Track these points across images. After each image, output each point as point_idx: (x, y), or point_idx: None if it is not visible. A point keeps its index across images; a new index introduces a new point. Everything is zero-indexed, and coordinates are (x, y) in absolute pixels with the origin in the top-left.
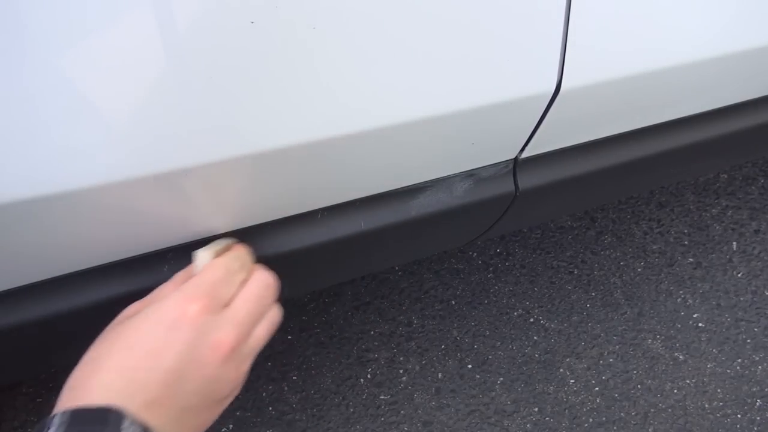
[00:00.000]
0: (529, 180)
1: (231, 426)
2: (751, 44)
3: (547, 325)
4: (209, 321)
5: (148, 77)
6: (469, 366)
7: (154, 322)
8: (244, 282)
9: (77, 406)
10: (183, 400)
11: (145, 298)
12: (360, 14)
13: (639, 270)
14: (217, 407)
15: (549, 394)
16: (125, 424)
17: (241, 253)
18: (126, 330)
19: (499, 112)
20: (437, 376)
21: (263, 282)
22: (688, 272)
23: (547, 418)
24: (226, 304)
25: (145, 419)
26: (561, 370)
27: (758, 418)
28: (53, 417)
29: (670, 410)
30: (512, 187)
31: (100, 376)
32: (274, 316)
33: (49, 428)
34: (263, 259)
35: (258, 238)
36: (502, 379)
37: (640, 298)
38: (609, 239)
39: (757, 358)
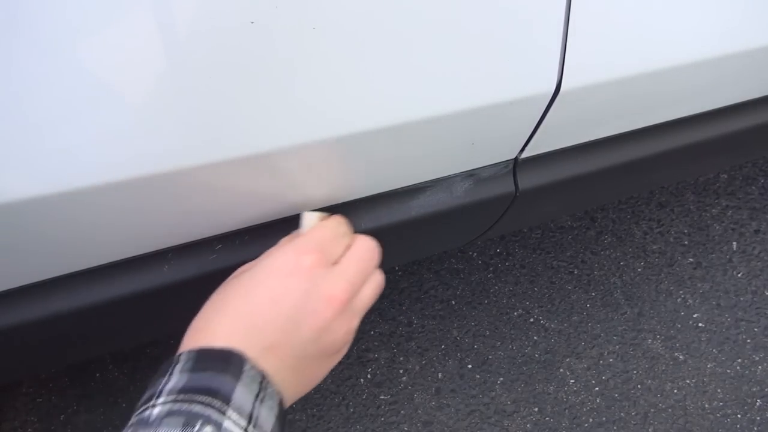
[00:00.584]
0: (529, 180)
1: None
2: (751, 44)
3: (547, 325)
4: (322, 273)
5: (147, 77)
6: (469, 366)
7: (271, 271)
8: (349, 246)
9: (202, 347)
10: (298, 349)
11: (256, 260)
12: (360, 14)
13: (639, 270)
14: (327, 362)
15: (549, 394)
16: (246, 367)
17: (343, 220)
18: (244, 280)
19: (499, 112)
20: (437, 376)
21: (368, 245)
22: (688, 272)
23: (547, 418)
24: (335, 262)
25: (262, 365)
26: (561, 370)
27: (758, 418)
28: (179, 355)
29: (670, 410)
30: (512, 187)
31: (223, 321)
32: (378, 278)
33: (176, 364)
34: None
35: (257, 239)
36: (502, 379)
37: (640, 298)
38: (609, 239)
39: (757, 358)
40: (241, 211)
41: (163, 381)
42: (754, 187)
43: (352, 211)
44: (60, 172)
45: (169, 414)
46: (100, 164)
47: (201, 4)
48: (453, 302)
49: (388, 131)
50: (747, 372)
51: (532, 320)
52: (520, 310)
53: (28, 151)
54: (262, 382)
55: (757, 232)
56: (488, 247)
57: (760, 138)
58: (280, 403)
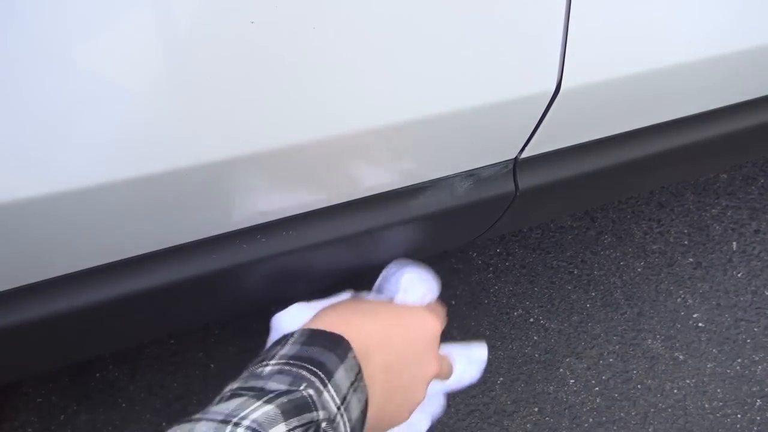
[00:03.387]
0: (529, 180)
1: None
2: (751, 44)
3: (547, 325)
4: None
5: (146, 77)
6: None
7: (413, 314)
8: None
9: (317, 327)
10: (389, 357)
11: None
12: (360, 14)
13: (639, 270)
14: (417, 385)
15: (549, 394)
16: (350, 355)
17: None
18: (379, 305)
19: (499, 112)
20: None
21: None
22: (688, 272)
23: (547, 418)
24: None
25: (362, 363)
26: (561, 370)
27: (758, 418)
28: (294, 332)
29: (670, 410)
30: (512, 187)
31: (335, 315)
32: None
33: (291, 337)
34: (257, 261)
35: (256, 240)
36: (502, 379)
37: (640, 298)
38: (609, 239)
39: (757, 358)
40: (238, 212)
41: (277, 348)
42: (754, 187)
43: (352, 211)
44: (60, 172)
45: (279, 372)
46: (99, 164)
47: (201, 4)
48: (453, 302)
49: (388, 131)
50: (747, 372)
51: (532, 320)
52: (520, 310)
53: (28, 150)
54: (358, 374)
55: (757, 232)
56: (488, 247)
57: (760, 138)
58: (365, 405)
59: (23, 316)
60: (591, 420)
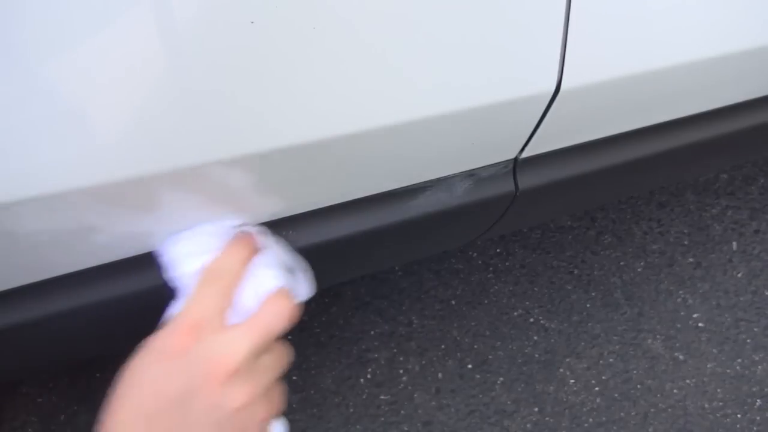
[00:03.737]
0: (529, 180)
1: None
2: (751, 44)
3: (547, 325)
4: (203, 347)
5: (146, 77)
6: (469, 366)
7: (152, 356)
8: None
9: None
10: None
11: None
12: (360, 14)
13: (639, 270)
14: None
15: (549, 394)
16: None
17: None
18: (138, 366)
19: (499, 112)
20: (437, 376)
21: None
22: (688, 272)
23: (547, 418)
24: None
25: None
26: (561, 370)
27: (758, 418)
28: None
29: (670, 410)
30: (512, 187)
31: (125, 412)
32: (281, 348)
33: None
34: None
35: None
36: (502, 379)
37: (640, 298)
38: (609, 239)
39: (757, 358)
40: (237, 211)
41: None
42: (754, 187)
43: (352, 211)
44: (58, 172)
45: None
46: (97, 164)
47: (201, 4)
48: (453, 302)
49: (388, 131)
50: (747, 372)
51: (532, 320)
52: (520, 310)
53: (28, 151)
54: None
55: (757, 232)
56: (488, 247)
57: (760, 138)
58: None
59: (23, 316)
60: (591, 420)
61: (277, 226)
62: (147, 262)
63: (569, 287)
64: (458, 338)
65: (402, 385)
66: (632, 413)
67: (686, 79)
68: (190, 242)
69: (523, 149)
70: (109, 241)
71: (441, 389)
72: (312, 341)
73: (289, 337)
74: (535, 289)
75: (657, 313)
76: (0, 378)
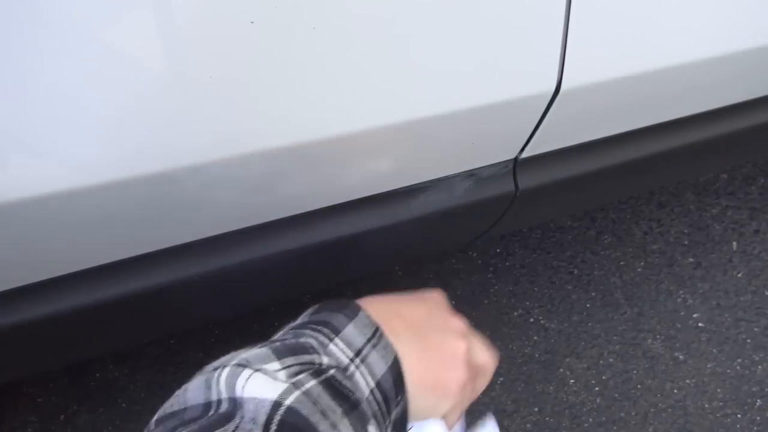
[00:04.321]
0: (529, 180)
1: None
2: (751, 44)
3: (547, 325)
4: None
5: (146, 77)
6: None
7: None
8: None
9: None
10: (423, 341)
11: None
12: (360, 14)
13: (639, 270)
14: (450, 351)
15: (549, 394)
16: (362, 314)
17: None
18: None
19: (499, 112)
20: None
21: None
22: (688, 272)
23: (547, 418)
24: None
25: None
26: (561, 370)
27: (758, 418)
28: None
29: (670, 410)
30: (512, 187)
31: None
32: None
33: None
34: (251, 263)
35: (255, 240)
36: (502, 379)
37: (640, 298)
38: (609, 239)
39: (757, 358)
40: (237, 213)
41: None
42: (754, 187)
43: (352, 211)
44: (58, 172)
45: (285, 333)
46: (97, 164)
47: (201, 4)
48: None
49: (389, 131)
50: (747, 372)
51: (532, 320)
52: (520, 310)
53: (29, 150)
54: (376, 331)
55: (757, 232)
56: (488, 247)
57: (760, 138)
58: (395, 361)
59: (23, 316)
60: (591, 420)
61: (278, 226)
62: (147, 263)
63: (569, 287)
64: None
65: None
66: (632, 413)
67: (686, 79)
68: None
69: (523, 149)
70: (109, 241)
71: None
72: None
73: None
74: (535, 289)
75: (657, 313)
76: (0, 378)
